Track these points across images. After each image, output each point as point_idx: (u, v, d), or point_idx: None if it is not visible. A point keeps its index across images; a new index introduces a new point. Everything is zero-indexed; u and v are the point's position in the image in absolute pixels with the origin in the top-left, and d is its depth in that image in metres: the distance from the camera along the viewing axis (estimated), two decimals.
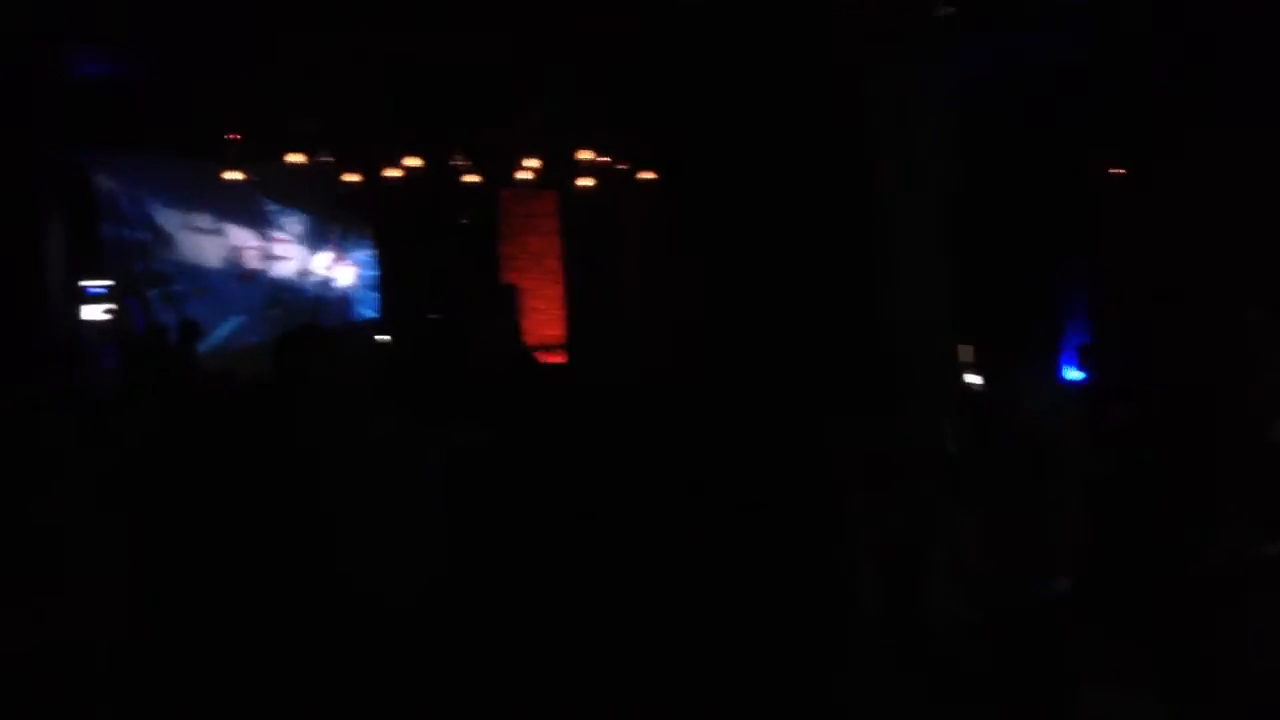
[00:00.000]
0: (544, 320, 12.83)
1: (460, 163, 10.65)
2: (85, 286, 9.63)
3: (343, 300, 13.01)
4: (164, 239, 11.60)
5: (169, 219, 11.55)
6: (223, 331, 11.43)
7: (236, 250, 12.12)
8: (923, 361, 6.25)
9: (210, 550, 3.28)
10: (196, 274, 11.81)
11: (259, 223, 12.29)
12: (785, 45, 7.48)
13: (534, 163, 10.77)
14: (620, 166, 10.71)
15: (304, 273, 12.73)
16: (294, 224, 12.61)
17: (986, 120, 7.91)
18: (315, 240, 12.79)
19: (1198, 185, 7.28)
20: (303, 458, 3.18)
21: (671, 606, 4.17)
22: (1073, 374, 9.17)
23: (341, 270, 13.05)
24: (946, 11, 6.61)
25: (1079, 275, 9.51)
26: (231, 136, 10.10)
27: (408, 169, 10.43)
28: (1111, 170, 8.49)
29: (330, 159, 10.09)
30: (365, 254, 13.19)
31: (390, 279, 13.02)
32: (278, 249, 12.50)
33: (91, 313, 9.72)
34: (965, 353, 7.15)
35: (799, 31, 7.26)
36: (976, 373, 6.85)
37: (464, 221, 12.49)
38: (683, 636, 4.11)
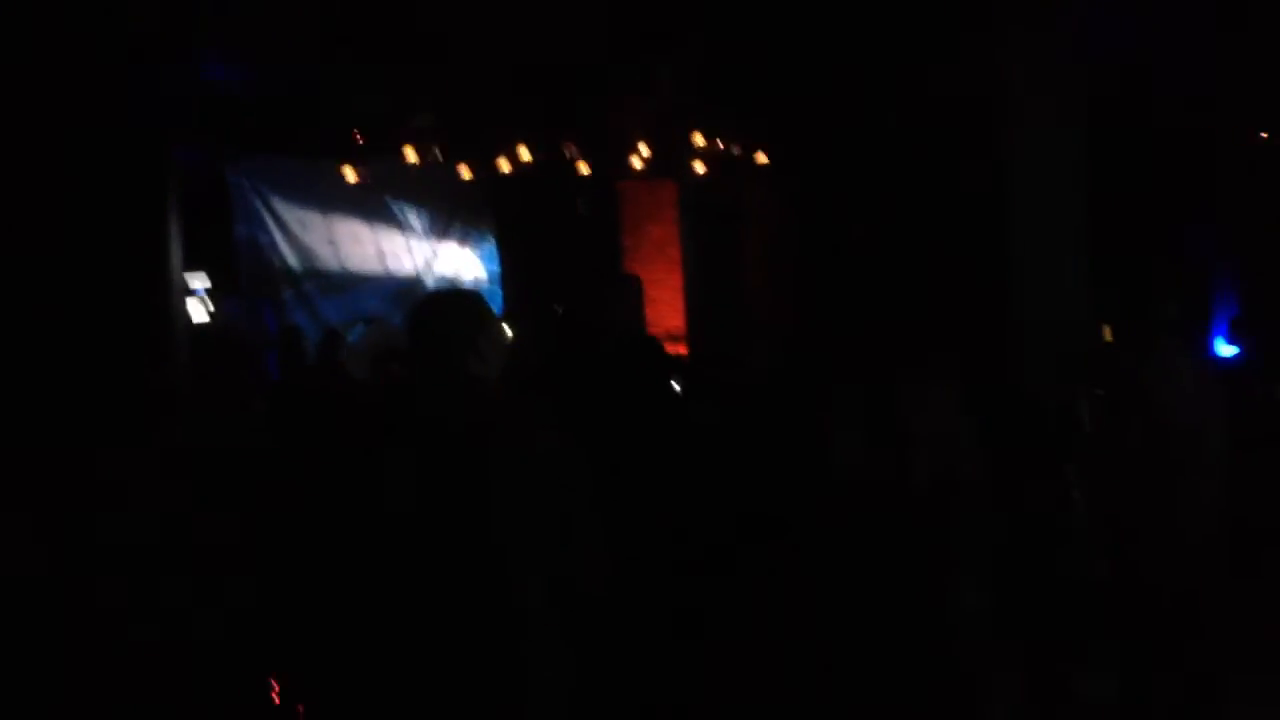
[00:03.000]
0: (667, 311, 12.67)
1: (577, 153, 10.58)
2: (194, 288, 9.77)
3: None
4: (292, 239, 11.84)
5: (296, 219, 11.78)
6: (354, 333, 11.58)
7: (362, 248, 12.30)
8: (1057, 341, 5.96)
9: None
10: (325, 274, 12.04)
11: (383, 220, 12.45)
12: (907, 21, 7.19)
13: (651, 151, 10.63)
14: (739, 152, 10.49)
15: (428, 270, 12.85)
16: (417, 221, 12.73)
17: (1116, 88, 7.47)
18: (438, 236, 12.90)
19: None
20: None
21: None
22: (1224, 350, 8.62)
23: (465, 265, 13.13)
24: None
25: (1219, 245, 8.97)
26: (354, 136, 10.22)
27: (524, 162, 10.41)
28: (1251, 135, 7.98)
29: (446, 154, 10.13)
30: (487, 248, 13.24)
31: (512, 272, 13.04)
32: (402, 246, 12.64)
33: (198, 313, 9.81)
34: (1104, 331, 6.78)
35: (922, 10, 6.98)
36: (1114, 352, 6.48)
37: (584, 213, 12.42)
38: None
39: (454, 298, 4.17)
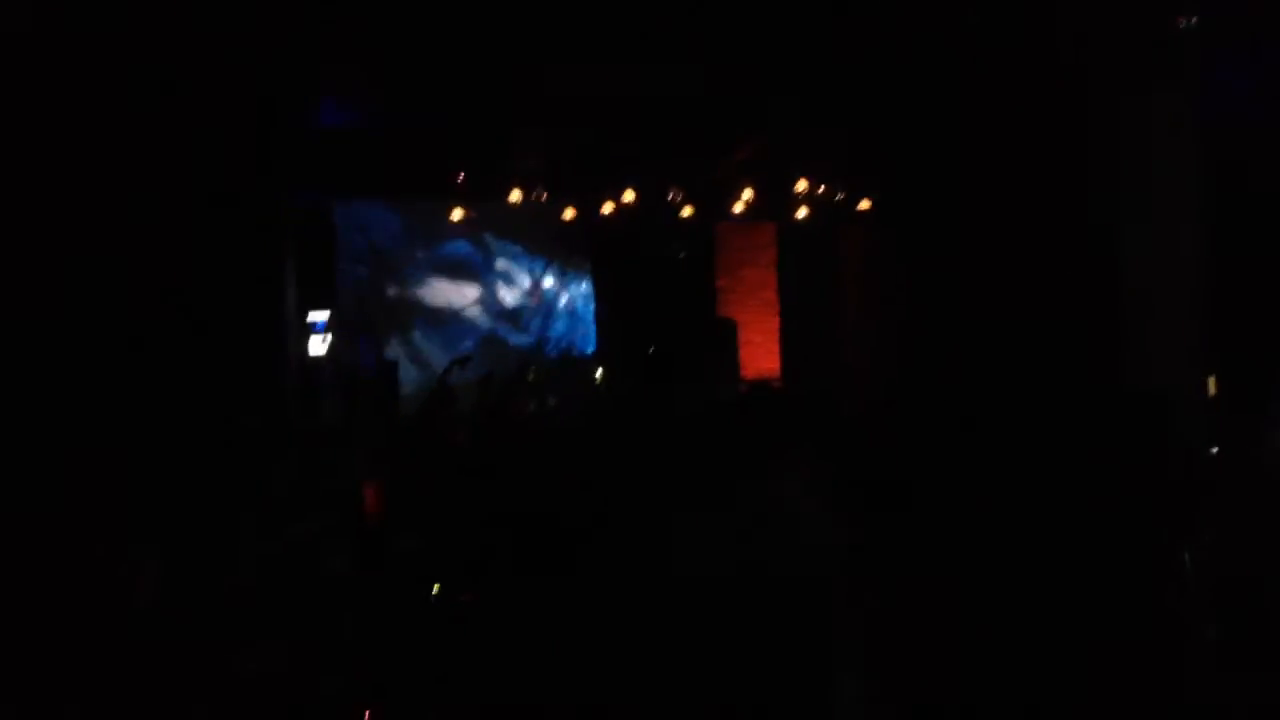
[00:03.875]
0: (761, 354, 12.69)
1: (676, 196, 10.67)
2: (312, 322, 10.03)
3: (563, 335, 13.25)
4: (393, 276, 12.11)
5: (398, 257, 12.06)
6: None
7: (461, 287, 12.54)
8: (1172, 395, 5.83)
9: None
10: (424, 310, 12.29)
11: (483, 259, 12.68)
12: (1013, 72, 7.16)
13: (750, 195, 10.68)
14: (839, 197, 10.51)
15: (526, 308, 13.03)
16: (516, 260, 12.94)
17: (1237, 142, 7.31)
18: (536, 275, 13.09)
19: None
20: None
21: None
22: None
23: (561, 304, 13.29)
24: (1189, 25, 6.15)
25: None
26: (457, 176, 10.41)
27: (623, 204, 10.52)
28: None
29: (547, 195, 10.28)
30: (583, 288, 13.39)
31: (607, 313, 13.16)
32: (501, 285, 12.85)
33: (315, 346, 10.06)
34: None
35: (1027, 59, 6.95)
36: (1225, 408, 6.34)
37: (680, 255, 12.51)
38: None
39: (703, 326, 4.37)
